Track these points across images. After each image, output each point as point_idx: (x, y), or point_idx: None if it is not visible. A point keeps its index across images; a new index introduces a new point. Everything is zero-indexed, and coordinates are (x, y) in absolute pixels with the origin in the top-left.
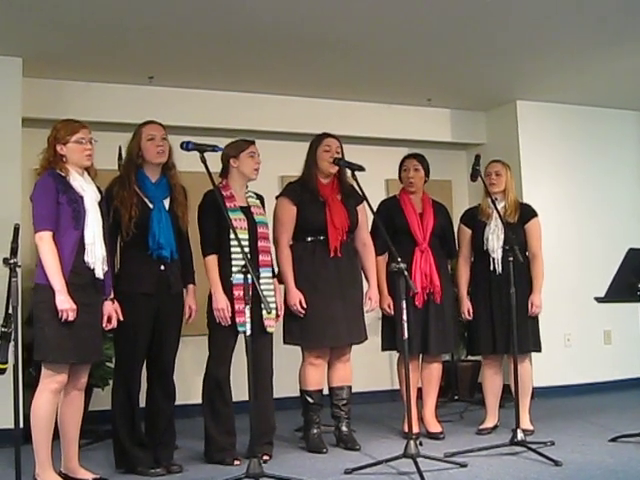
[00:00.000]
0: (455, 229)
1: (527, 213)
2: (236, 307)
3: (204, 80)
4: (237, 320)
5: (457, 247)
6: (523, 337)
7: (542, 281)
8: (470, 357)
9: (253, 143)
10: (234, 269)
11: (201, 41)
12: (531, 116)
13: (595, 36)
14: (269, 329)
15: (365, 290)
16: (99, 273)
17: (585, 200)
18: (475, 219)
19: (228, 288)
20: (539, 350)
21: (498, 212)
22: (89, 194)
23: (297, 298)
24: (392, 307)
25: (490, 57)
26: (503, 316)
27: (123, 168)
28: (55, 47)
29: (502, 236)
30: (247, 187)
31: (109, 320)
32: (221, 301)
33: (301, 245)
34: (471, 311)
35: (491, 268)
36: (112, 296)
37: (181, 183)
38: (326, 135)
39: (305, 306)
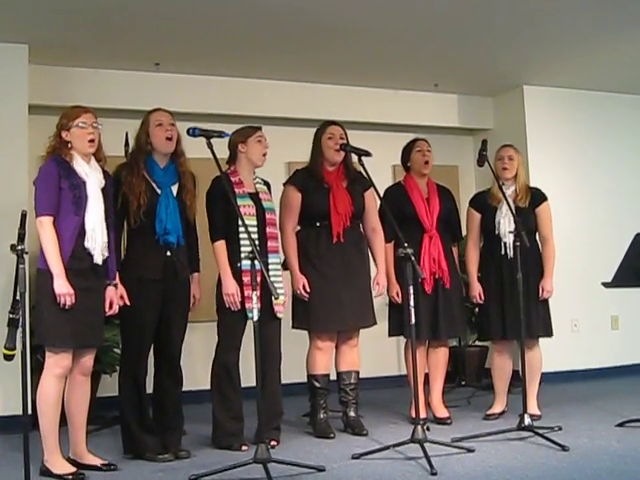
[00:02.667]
0: (462, 212)
1: (537, 197)
2: (245, 293)
3: (210, 66)
4: (247, 306)
5: (463, 231)
6: (534, 322)
7: (553, 266)
8: (478, 342)
9: (260, 129)
10: (243, 255)
11: (207, 27)
12: (538, 101)
13: (602, 21)
14: (279, 315)
15: (373, 275)
16: (98, 259)
17: (592, 185)
18: (485, 203)
19: (237, 274)
20: (550, 335)
21: (506, 198)
22: (92, 180)
23: (301, 282)
24: (400, 295)
25: (497, 42)
26: (514, 301)
27: (131, 156)
28: (61, 34)
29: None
30: (254, 173)
31: (110, 306)
32: (231, 286)
33: (306, 231)
34: (482, 295)
35: (502, 252)
36: (116, 281)
37: (191, 170)
38: (329, 123)
39: (309, 290)
